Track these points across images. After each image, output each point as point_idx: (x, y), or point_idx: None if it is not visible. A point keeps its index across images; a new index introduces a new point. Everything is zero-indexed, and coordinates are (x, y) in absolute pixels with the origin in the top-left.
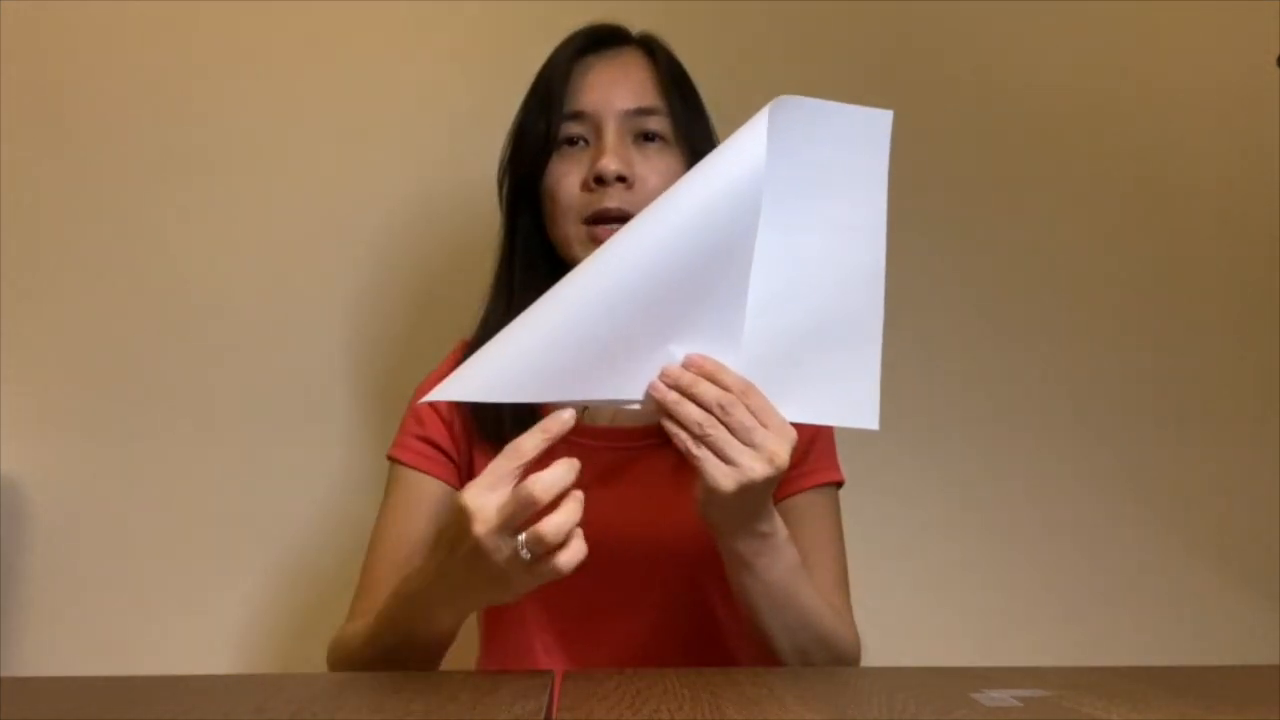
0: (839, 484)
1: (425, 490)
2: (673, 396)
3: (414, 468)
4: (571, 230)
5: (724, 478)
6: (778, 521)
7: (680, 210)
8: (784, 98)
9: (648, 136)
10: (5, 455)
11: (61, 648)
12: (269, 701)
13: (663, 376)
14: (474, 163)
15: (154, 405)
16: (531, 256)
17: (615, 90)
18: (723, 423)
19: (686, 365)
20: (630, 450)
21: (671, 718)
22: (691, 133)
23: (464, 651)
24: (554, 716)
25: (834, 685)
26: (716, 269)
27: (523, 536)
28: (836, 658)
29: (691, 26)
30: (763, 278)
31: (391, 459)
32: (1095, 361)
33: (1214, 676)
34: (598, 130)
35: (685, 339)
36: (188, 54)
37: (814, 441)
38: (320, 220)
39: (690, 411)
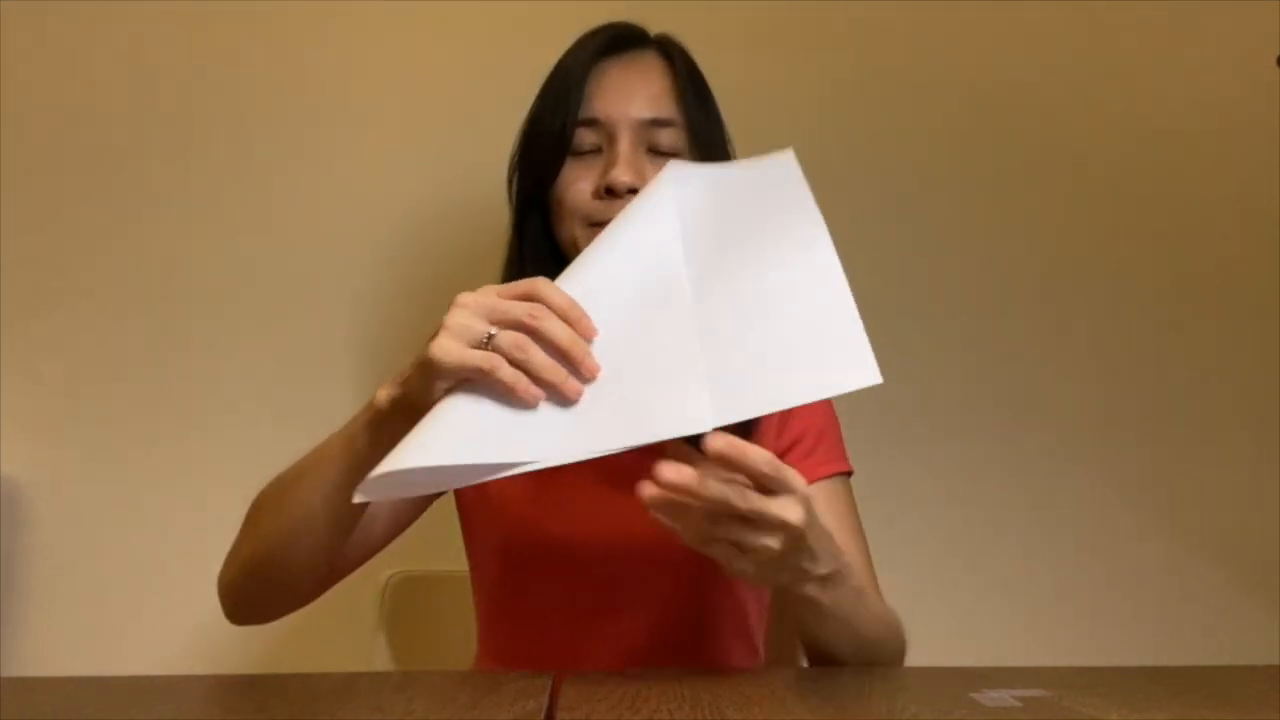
0: (848, 474)
1: None
2: (670, 513)
3: None
4: (579, 232)
5: (743, 564)
6: (838, 555)
7: (595, 278)
8: (675, 164)
9: (661, 150)
10: (5, 455)
11: (61, 648)
12: (269, 701)
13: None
14: (482, 162)
15: (154, 406)
16: (540, 257)
17: (631, 99)
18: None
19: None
20: (629, 452)
21: (671, 718)
22: (706, 143)
23: (464, 651)
24: (554, 716)
25: (834, 685)
26: (655, 320)
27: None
28: (897, 649)
29: (696, 26)
30: (717, 309)
31: None
32: (1095, 363)
33: (1214, 676)
34: (611, 139)
35: (646, 380)
36: (189, 54)
37: (821, 436)
38: (325, 222)
39: (692, 523)
